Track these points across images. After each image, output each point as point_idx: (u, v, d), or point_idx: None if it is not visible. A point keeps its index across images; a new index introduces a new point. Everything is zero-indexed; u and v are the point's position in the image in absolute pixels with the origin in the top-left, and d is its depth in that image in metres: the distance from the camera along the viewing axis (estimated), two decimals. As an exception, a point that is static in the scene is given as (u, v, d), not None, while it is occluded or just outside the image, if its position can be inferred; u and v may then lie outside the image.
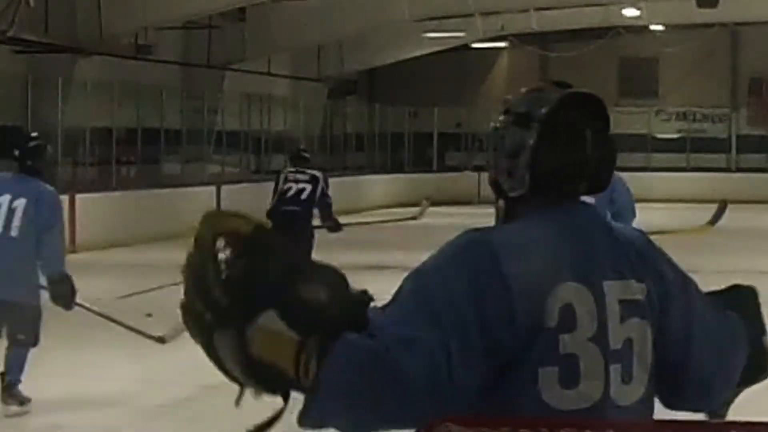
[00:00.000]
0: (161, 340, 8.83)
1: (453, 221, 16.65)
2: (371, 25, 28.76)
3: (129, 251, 18.51)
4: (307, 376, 2.23)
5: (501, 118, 2.62)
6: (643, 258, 2.56)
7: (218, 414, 8.45)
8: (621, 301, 2.47)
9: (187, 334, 2.40)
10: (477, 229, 2.50)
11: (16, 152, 8.14)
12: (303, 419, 2.30)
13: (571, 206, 2.56)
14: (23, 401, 8.22)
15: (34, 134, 8.93)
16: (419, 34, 30.95)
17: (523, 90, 2.67)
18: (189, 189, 23.73)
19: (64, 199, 19.03)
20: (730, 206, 14.42)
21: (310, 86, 31.69)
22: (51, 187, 8.27)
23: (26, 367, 8.27)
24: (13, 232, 7.98)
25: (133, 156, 23.97)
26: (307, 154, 14.39)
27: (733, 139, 37.02)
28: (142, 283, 15.35)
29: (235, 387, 2.45)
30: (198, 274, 2.26)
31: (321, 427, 2.30)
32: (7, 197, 8.02)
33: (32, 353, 8.33)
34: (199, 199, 23.59)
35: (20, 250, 7.96)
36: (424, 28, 30.48)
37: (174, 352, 10.45)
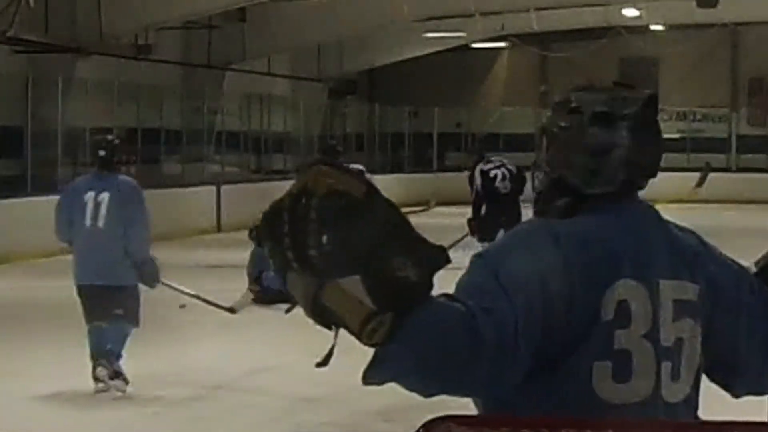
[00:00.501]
0: (231, 310, 10.12)
1: (453, 221, 16.64)
2: (371, 25, 28.75)
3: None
4: (371, 339, 2.22)
5: (563, 118, 2.63)
6: (699, 259, 2.63)
7: (218, 414, 8.46)
8: (675, 301, 2.54)
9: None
10: (543, 219, 2.61)
11: (101, 152, 9.02)
12: (370, 373, 2.29)
13: (631, 203, 2.63)
14: (119, 378, 8.77)
15: (110, 136, 9.77)
16: (419, 34, 30.93)
17: (580, 89, 2.69)
18: (189, 189, 23.75)
19: (64, 199, 19.14)
20: (730, 206, 14.42)
21: (310, 86, 31.68)
22: (130, 180, 9.17)
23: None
24: (101, 223, 8.74)
25: (133, 156, 23.96)
26: (340, 148, 14.70)
27: (733, 139, 37.02)
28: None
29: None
30: (300, 215, 2.20)
31: (385, 382, 2.30)
32: (91, 194, 8.84)
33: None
34: (199, 199, 23.62)
35: (109, 239, 8.68)
36: (424, 28, 30.47)
37: (174, 352, 10.47)
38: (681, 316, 2.53)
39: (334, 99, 33.35)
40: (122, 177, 9.08)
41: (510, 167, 13.89)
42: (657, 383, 2.48)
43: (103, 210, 8.79)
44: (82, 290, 8.88)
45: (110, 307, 8.76)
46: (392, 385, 2.33)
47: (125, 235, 8.75)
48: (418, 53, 32.57)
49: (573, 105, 2.63)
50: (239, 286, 13.01)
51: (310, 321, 2.32)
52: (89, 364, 8.79)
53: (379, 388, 2.34)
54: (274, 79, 29.75)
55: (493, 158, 14.28)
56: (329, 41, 30.38)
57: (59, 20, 21.17)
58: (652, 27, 33.84)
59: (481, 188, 13.78)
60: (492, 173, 13.82)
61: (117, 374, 8.83)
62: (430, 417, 2.10)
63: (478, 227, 13.62)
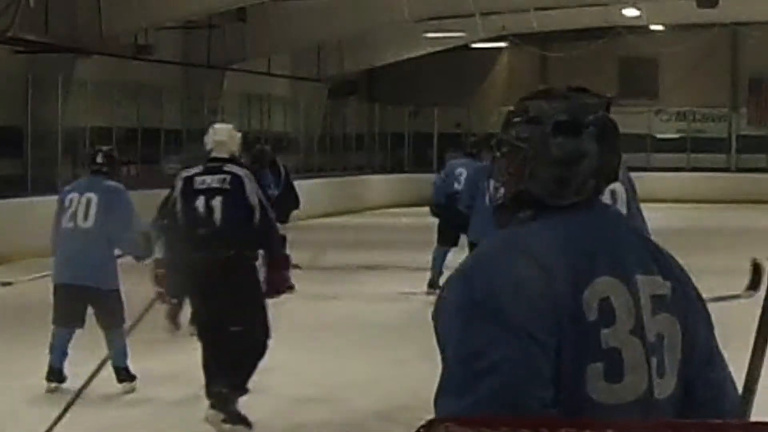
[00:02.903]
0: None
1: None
2: (371, 25, 28.76)
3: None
4: None
5: (521, 129, 2.57)
6: (665, 258, 2.60)
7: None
8: (652, 296, 2.50)
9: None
10: (506, 234, 2.53)
11: (98, 158, 9.42)
12: None
13: (596, 206, 2.58)
14: (132, 378, 9.14)
15: (106, 148, 10.04)
16: (419, 34, 30.94)
17: (535, 97, 2.63)
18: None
19: (64, 199, 19.14)
20: (730, 206, 14.42)
21: (310, 86, 31.69)
22: (116, 183, 9.37)
23: (67, 361, 9.10)
24: (88, 224, 9.07)
25: (133, 156, 23.97)
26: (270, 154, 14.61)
27: (733, 139, 37.02)
28: (143, 282, 15.34)
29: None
30: None
31: None
32: (75, 195, 9.23)
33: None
34: (199, 199, 23.61)
35: (95, 239, 8.99)
36: (424, 28, 30.47)
37: (174, 352, 10.46)
38: (659, 311, 2.50)
39: (334, 99, 33.35)
40: (109, 182, 9.34)
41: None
42: (649, 380, 2.45)
43: (91, 211, 9.07)
44: (58, 290, 9.10)
45: (97, 315, 9.09)
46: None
47: (115, 236, 9.08)
48: (418, 53, 32.58)
49: (531, 115, 2.56)
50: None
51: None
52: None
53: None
54: (274, 79, 29.76)
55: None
56: (329, 41, 30.39)
57: (59, 20, 21.17)
58: (652, 27, 33.84)
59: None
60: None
61: (127, 373, 9.14)
62: (430, 417, 2.10)
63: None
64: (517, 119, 2.59)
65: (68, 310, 9.06)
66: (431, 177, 35.09)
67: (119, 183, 9.49)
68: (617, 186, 5.79)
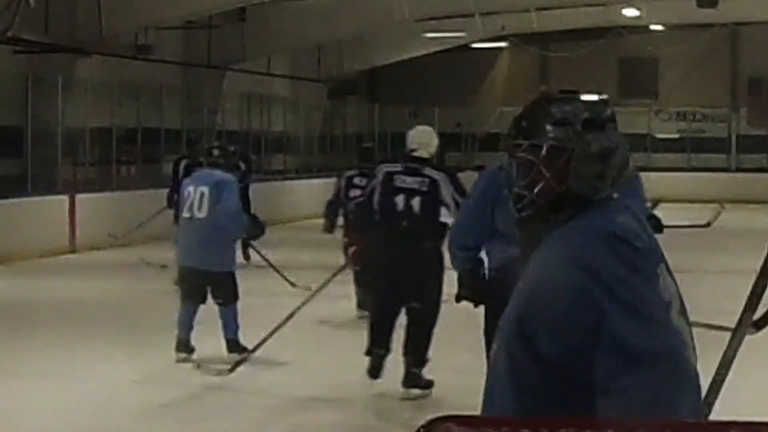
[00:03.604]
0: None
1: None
2: (371, 25, 28.74)
3: (129, 251, 18.50)
4: None
5: (555, 131, 2.63)
6: None
7: (218, 414, 8.46)
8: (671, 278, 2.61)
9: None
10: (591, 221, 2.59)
11: (214, 151, 10.34)
12: None
13: (615, 198, 2.67)
14: (242, 350, 9.92)
15: (220, 142, 11.34)
16: (419, 34, 30.94)
17: (552, 101, 2.69)
18: (189, 189, 23.71)
19: (64, 199, 19.16)
20: (730, 206, 14.46)
21: (310, 86, 31.68)
22: (226, 175, 10.13)
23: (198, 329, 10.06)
24: (202, 214, 9.88)
25: (133, 156, 23.97)
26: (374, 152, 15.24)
27: (733, 139, 37.01)
28: (143, 282, 15.36)
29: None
30: None
31: None
32: (192, 188, 10.02)
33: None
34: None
35: (208, 228, 9.81)
36: (424, 28, 30.46)
37: (174, 352, 10.46)
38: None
39: (334, 99, 33.34)
40: (222, 173, 10.14)
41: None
42: (695, 359, 2.53)
43: (204, 203, 9.91)
44: (182, 272, 10.20)
45: (213, 293, 10.03)
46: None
47: (227, 225, 9.91)
48: (418, 53, 32.57)
49: (558, 117, 2.63)
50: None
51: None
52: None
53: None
54: (274, 79, 29.75)
55: None
56: (329, 41, 30.37)
57: (59, 20, 21.16)
58: (652, 27, 33.83)
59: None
60: None
61: (237, 345, 9.97)
62: (430, 417, 2.10)
63: None
64: (541, 125, 2.64)
65: (191, 290, 10.04)
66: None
67: (231, 175, 10.25)
68: None
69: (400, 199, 8.85)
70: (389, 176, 8.94)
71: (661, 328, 2.43)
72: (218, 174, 10.08)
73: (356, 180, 12.56)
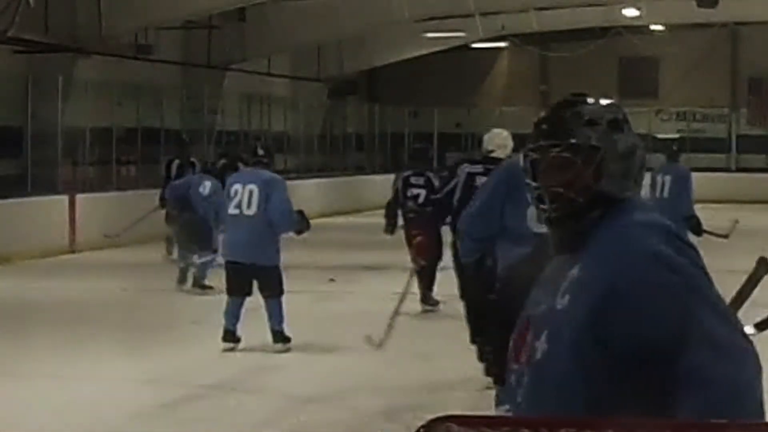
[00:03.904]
0: None
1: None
2: (371, 25, 28.74)
3: (129, 251, 18.50)
4: None
5: (589, 132, 2.70)
6: None
7: (218, 414, 8.46)
8: None
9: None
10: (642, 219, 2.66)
11: (259, 151, 10.68)
12: None
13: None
14: (287, 340, 10.45)
15: (262, 141, 11.61)
16: (419, 34, 30.93)
17: (567, 102, 2.75)
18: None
19: (64, 199, 19.17)
20: (730, 206, 14.50)
21: (310, 86, 31.68)
22: (274, 174, 10.70)
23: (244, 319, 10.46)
24: (251, 211, 10.28)
25: (133, 156, 23.96)
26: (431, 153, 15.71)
27: (733, 139, 37.03)
28: (143, 282, 15.36)
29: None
30: None
31: None
32: (239, 186, 10.41)
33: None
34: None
35: (256, 224, 10.26)
36: (424, 28, 30.46)
37: (174, 352, 10.47)
38: None
39: (334, 99, 33.34)
40: (269, 173, 10.61)
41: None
42: None
43: (253, 200, 10.31)
44: (229, 266, 10.58)
45: (260, 286, 10.44)
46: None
47: (277, 221, 10.35)
48: (418, 53, 32.57)
49: (588, 118, 2.70)
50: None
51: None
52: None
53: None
54: (274, 79, 29.75)
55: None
56: (329, 41, 30.38)
57: (59, 20, 21.17)
58: (652, 27, 33.83)
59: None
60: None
61: (282, 336, 10.44)
62: (430, 417, 2.10)
63: None
64: (583, 124, 2.70)
65: (237, 283, 10.45)
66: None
67: (276, 173, 10.81)
68: None
69: None
70: (471, 177, 9.16)
71: (737, 322, 2.52)
72: (266, 173, 10.50)
73: (413, 179, 13.07)
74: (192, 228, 14.21)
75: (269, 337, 10.50)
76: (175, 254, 15.63)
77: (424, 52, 32.55)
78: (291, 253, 10.93)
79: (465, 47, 33.81)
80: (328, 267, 16.88)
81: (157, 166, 24.41)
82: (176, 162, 17.21)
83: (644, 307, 2.48)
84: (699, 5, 26.94)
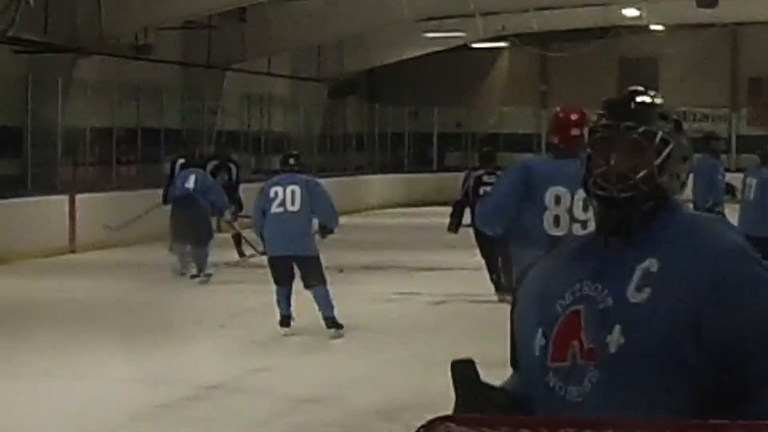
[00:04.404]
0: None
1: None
2: (371, 25, 28.73)
3: (129, 251, 18.50)
4: None
5: (665, 122, 2.66)
6: None
7: (218, 414, 8.46)
8: None
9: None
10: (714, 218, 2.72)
11: (291, 160, 11.73)
12: None
13: None
14: (339, 326, 11.15)
15: (293, 151, 12.74)
16: (419, 34, 30.92)
17: (638, 92, 2.72)
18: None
19: (64, 199, 19.17)
20: (729, 206, 14.44)
21: (310, 86, 31.67)
22: (310, 176, 12.04)
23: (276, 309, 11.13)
24: (295, 207, 11.19)
25: (133, 156, 23.96)
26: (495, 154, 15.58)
27: (733, 139, 37.01)
28: (143, 282, 15.37)
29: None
30: None
31: None
32: (279, 188, 11.33)
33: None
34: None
35: (300, 218, 11.23)
36: (424, 28, 30.45)
37: (174, 352, 10.47)
38: None
39: (334, 99, 33.33)
40: (307, 177, 11.83)
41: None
42: None
43: (296, 198, 11.20)
44: (275, 260, 11.37)
45: (303, 276, 11.24)
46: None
47: (321, 216, 11.40)
48: (418, 53, 32.55)
49: (661, 111, 2.67)
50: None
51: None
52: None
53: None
54: (274, 79, 29.74)
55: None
56: (329, 41, 30.37)
57: (59, 20, 21.16)
58: (652, 27, 33.81)
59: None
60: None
61: (333, 322, 11.13)
62: (430, 417, 2.10)
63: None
64: (658, 116, 2.67)
65: (283, 274, 11.24)
66: (431, 177, 34.91)
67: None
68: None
69: None
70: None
71: None
72: (302, 176, 11.65)
73: (485, 178, 13.25)
74: (196, 222, 15.19)
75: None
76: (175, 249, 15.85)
77: (424, 52, 32.53)
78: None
79: (465, 47, 33.79)
80: (328, 267, 16.86)
81: (157, 166, 24.46)
82: (180, 161, 17.28)
83: (745, 300, 2.47)
84: (699, 5, 26.93)
